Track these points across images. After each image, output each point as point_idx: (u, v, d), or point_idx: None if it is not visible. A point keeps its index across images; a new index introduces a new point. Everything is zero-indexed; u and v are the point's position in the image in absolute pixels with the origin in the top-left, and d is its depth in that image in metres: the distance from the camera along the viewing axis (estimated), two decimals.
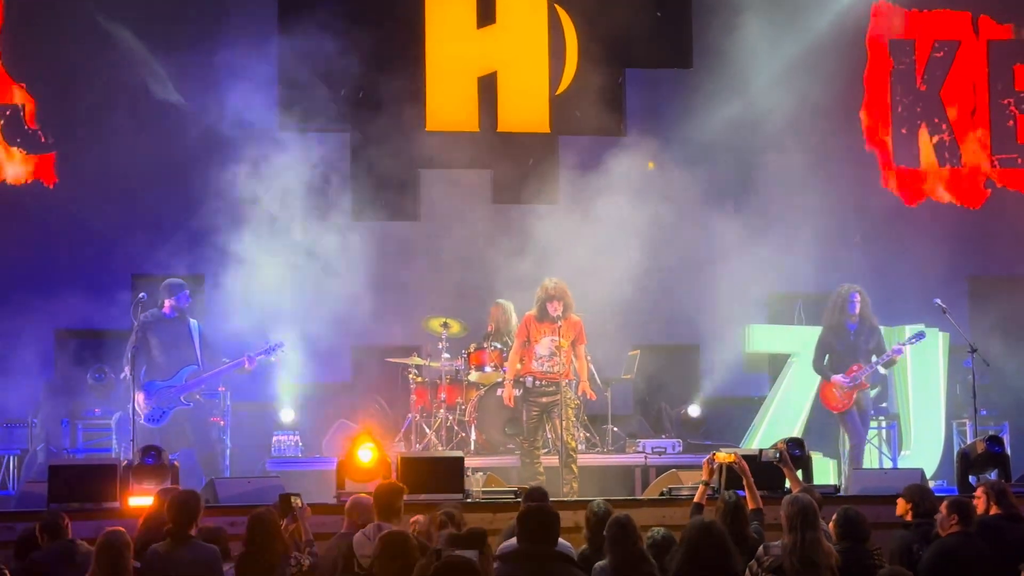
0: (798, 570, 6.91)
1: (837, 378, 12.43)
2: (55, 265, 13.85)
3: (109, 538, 7.10)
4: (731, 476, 8.61)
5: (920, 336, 12.66)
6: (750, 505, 8.00)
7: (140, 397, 11.21)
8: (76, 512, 8.73)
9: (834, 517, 7.57)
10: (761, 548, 7.16)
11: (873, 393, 13.60)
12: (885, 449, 13.70)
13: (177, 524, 7.38)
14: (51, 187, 14.16)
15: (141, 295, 11.46)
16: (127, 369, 11.32)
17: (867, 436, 12.69)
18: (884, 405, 13.91)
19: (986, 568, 7.59)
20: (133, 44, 14.00)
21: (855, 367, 12.38)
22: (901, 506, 8.40)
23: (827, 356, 12.63)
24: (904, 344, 12.59)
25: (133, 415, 11.13)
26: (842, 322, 12.57)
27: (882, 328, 12.87)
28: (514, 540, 6.88)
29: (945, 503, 7.88)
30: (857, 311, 12.46)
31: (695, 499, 8.21)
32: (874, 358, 12.50)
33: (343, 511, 8.14)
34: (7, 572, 7.47)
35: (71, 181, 14.11)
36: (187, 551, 7.31)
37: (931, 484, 11.21)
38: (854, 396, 12.40)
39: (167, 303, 11.50)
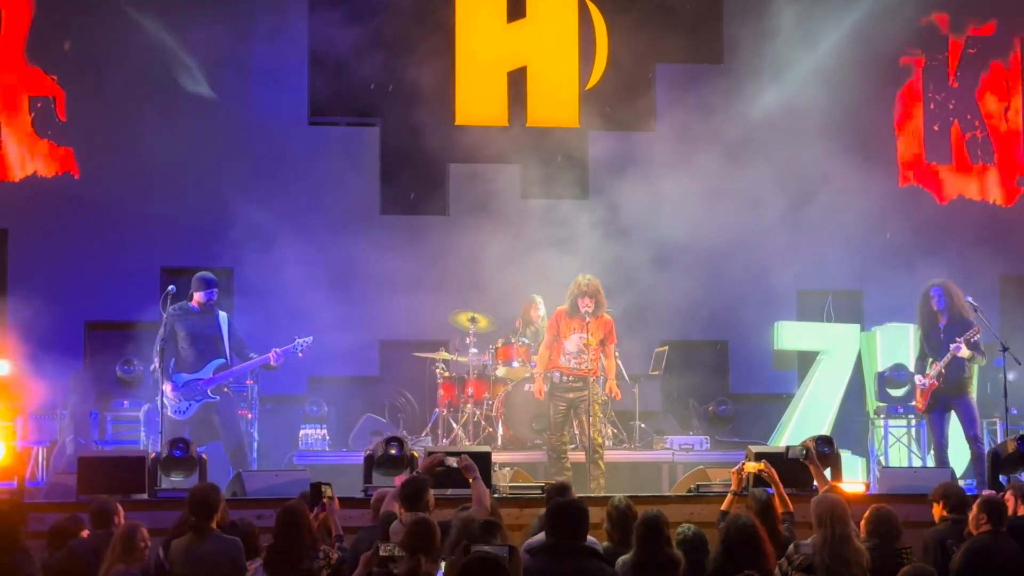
0: (828, 566, 6.89)
1: (917, 377, 11.98)
2: (84, 258, 13.90)
3: (128, 528, 7.16)
4: (761, 480, 8.57)
5: (971, 335, 11.57)
6: (779, 509, 7.96)
7: (168, 388, 11.23)
8: None
9: (865, 515, 7.53)
10: (792, 546, 7.14)
11: (902, 392, 13.45)
12: (915, 448, 13.62)
13: (198, 517, 7.39)
14: (80, 179, 14.21)
15: (170, 288, 11.46)
16: (156, 361, 11.34)
17: (978, 433, 11.65)
18: (914, 404, 13.80)
19: (1017, 567, 7.52)
20: (163, 36, 14.05)
21: (936, 366, 11.73)
22: (936, 510, 8.33)
23: (926, 356, 11.96)
24: (957, 344, 11.54)
25: (162, 408, 11.15)
26: (931, 320, 11.95)
27: None
28: (543, 534, 6.86)
29: (977, 502, 7.83)
30: (944, 306, 11.82)
31: (723, 507, 8.17)
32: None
33: (369, 505, 8.14)
34: (33, 557, 7.50)
35: (100, 173, 14.16)
36: (209, 544, 7.32)
37: (961, 483, 11.12)
38: (928, 397, 11.76)
39: (196, 296, 11.50)
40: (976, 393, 13.64)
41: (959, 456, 13.46)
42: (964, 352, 11.59)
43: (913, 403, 12.37)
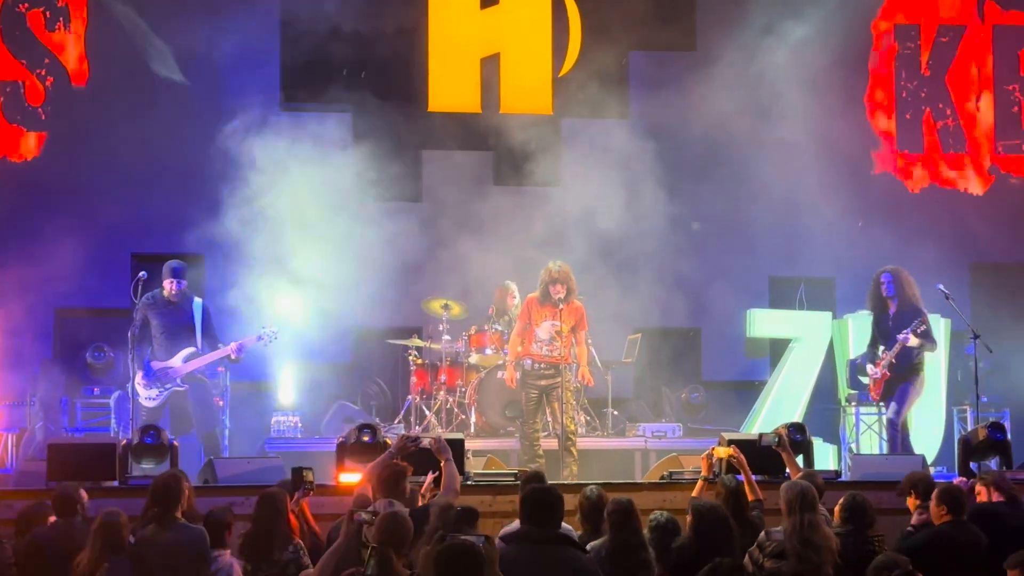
0: (799, 552, 6.92)
1: (868, 367, 11.98)
2: (55, 243, 13.75)
3: (107, 519, 7.09)
4: (732, 466, 8.59)
5: (918, 325, 11.67)
6: (749, 497, 7.99)
7: (139, 376, 11.18)
8: None
9: (840, 501, 7.55)
10: (763, 534, 7.17)
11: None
12: (886, 435, 13.67)
13: (161, 507, 7.32)
14: (51, 165, 14.10)
15: (141, 274, 11.39)
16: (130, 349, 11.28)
17: (897, 420, 11.63)
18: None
19: (979, 554, 7.54)
20: (135, 21, 13.95)
21: (884, 355, 11.73)
22: (910, 504, 8.35)
23: (876, 343, 11.96)
24: (906, 335, 11.58)
25: (133, 395, 11.10)
26: (881, 306, 11.94)
27: None
28: (517, 522, 6.86)
29: (935, 493, 7.83)
30: (893, 293, 11.81)
31: (693, 493, 8.19)
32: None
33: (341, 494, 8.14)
34: (6, 543, 7.46)
35: (71, 159, 14.06)
36: (173, 534, 7.25)
37: (932, 471, 11.18)
38: (882, 387, 11.75)
39: (165, 285, 11.43)
40: (945, 377, 13.79)
41: (930, 444, 13.57)
42: (913, 341, 11.59)
43: (871, 392, 12.29)
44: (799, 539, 6.95)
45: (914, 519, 8.02)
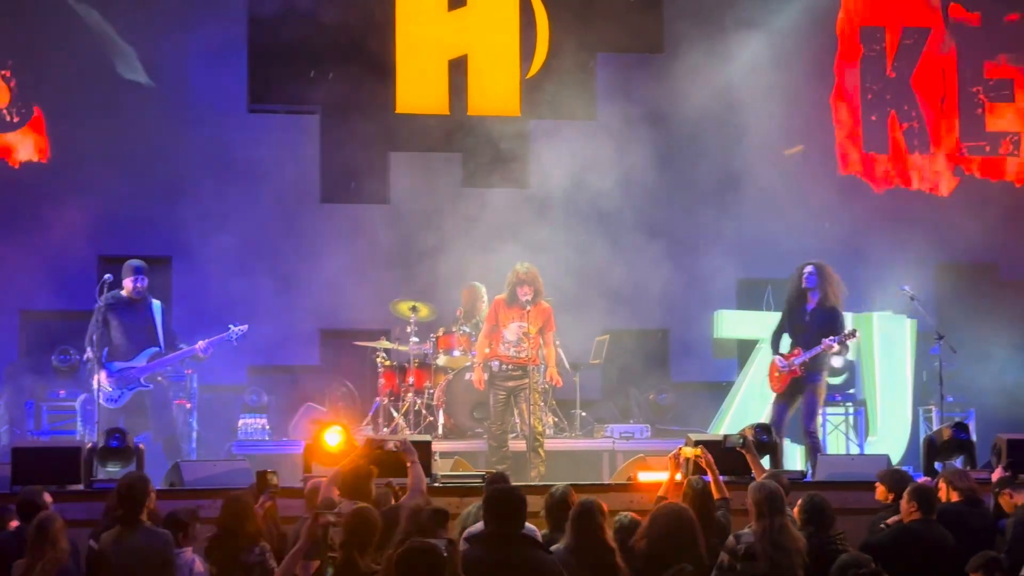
0: (770, 555, 6.93)
1: (776, 359, 11.57)
2: (21, 246, 13.70)
3: (42, 522, 7.03)
4: (698, 466, 8.60)
5: (848, 336, 11.40)
6: (715, 496, 8.00)
7: (102, 377, 11.13)
8: None
9: (799, 503, 7.58)
10: (732, 538, 7.16)
11: (839, 380, 13.57)
12: (852, 435, 13.74)
13: (126, 509, 7.28)
14: (16, 167, 14.04)
15: (107, 276, 11.35)
16: (89, 351, 11.23)
17: (814, 429, 11.45)
18: (851, 391, 13.94)
19: (947, 554, 7.60)
20: (101, 24, 13.89)
21: (797, 351, 11.39)
22: (880, 492, 8.41)
23: (784, 335, 11.64)
24: (832, 340, 11.19)
25: (97, 397, 11.06)
26: (799, 297, 11.61)
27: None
28: (480, 524, 6.86)
29: (907, 491, 7.88)
30: (814, 284, 11.48)
31: (659, 493, 8.19)
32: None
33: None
34: None
35: (37, 161, 13.98)
36: (137, 537, 7.17)
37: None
38: (787, 383, 11.39)
39: (126, 284, 11.40)
40: (911, 378, 13.81)
41: (896, 443, 13.66)
42: (835, 349, 11.38)
43: (837, 385, 12.12)
44: (770, 543, 6.97)
45: (892, 519, 8.04)
